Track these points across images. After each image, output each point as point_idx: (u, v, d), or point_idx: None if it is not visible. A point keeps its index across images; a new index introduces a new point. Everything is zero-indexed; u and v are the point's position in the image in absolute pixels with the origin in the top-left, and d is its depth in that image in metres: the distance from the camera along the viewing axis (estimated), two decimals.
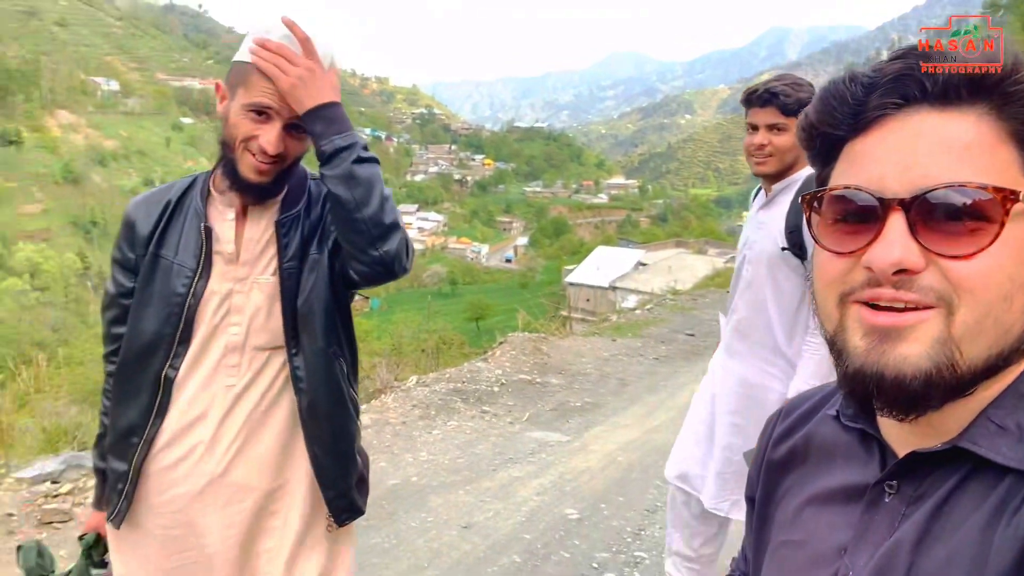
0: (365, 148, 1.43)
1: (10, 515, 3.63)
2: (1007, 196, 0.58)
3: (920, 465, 0.64)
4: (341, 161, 1.39)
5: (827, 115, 0.66)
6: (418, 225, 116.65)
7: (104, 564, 1.66)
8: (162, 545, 1.53)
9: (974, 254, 0.58)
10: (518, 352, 7.55)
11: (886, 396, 0.60)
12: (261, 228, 1.52)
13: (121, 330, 1.55)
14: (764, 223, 2.29)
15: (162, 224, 1.53)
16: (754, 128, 2.24)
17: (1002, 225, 0.58)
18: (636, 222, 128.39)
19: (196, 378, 1.50)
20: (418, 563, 3.47)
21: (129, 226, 1.55)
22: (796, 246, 2.13)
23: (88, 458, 4.16)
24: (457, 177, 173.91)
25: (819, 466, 0.76)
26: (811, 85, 2.20)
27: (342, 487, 1.59)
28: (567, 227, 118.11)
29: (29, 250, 74.59)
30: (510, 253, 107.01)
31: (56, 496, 3.83)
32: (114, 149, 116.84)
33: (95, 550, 1.68)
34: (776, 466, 0.82)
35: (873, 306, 0.61)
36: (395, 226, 1.42)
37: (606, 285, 39.89)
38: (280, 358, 1.53)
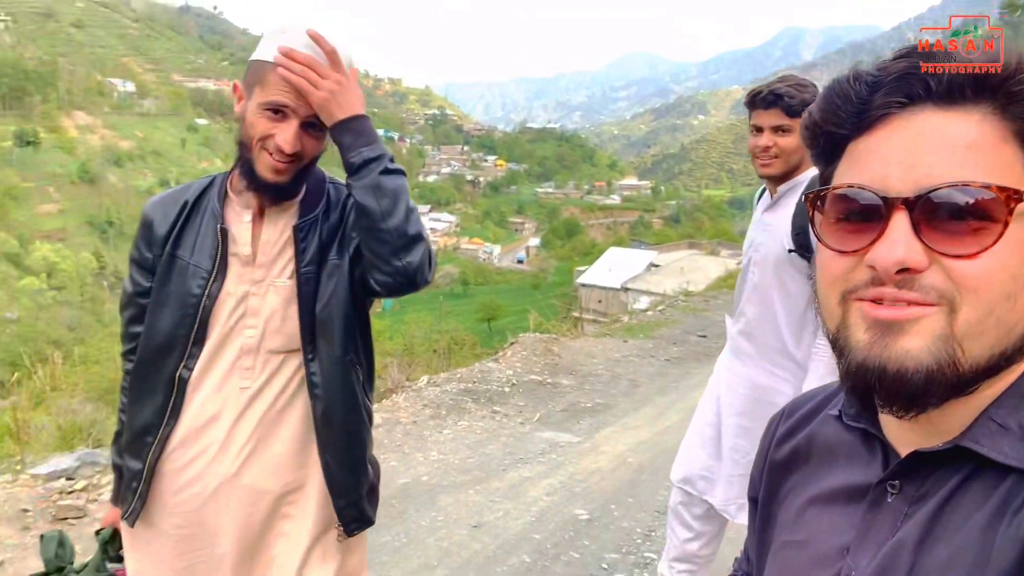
0: (392, 160, 1.45)
1: (25, 511, 3.67)
2: (1011, 195, 0.58)
3: (922, 465, 0.64)
4: (369, 172, 1.41)
5: (831, 114, 0.66)
6: (430, 226, 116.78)
7: (120, 559, 1.67)
8: (175, 545, 1.53)
9: (977, 253, 0.58)
10: (529, 353, 7.55)
11: (888, 391, 0.60)
12: (278, 230, 1.52)
13: (138, 329, 1.56)
14: (770, 225, 2.28)
15: (179, 224, 1.53)
16: (759, 130, 2.24)
17: (1005, 224, 0.58)
18: (648, 223, 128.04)
19: (210, 379, 1.51)
20: (428, 562, 3.48)
21: (147, 226, 1.56)
22: (803, 247, 2.12)
23: (102, 455, 4.21)
24: (469, 178, 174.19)
25: (821, 466, 0.76)
26: (815, 86, 2.20)
27: (353, 496, 1.58)
28: (579, 228, 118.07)
29: (46, 249, 75.45)
30: (522, 254, 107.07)
31: (71, 492, 3.87)
32: (130, 150, 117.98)
33: (111, 545, 1.69)
34: (779, 466, 0.82)
35: (875, 302, 0.61)
36: (419, 237, 1.43)
37: (618, 286, 39.79)
38: (294, 361, 1.53)
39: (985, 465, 0.60)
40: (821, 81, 0.69)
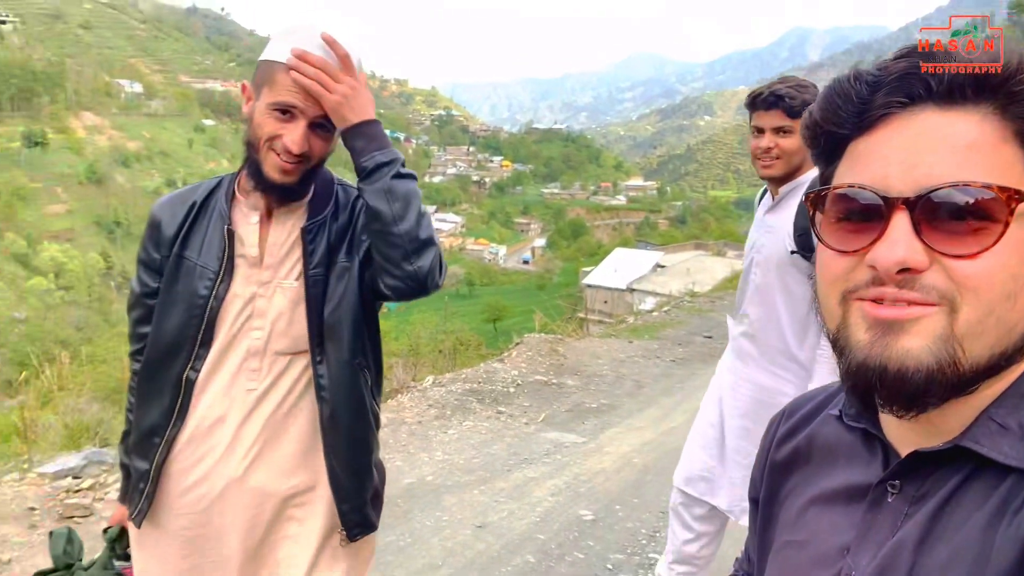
0: (403, 164, 1.45)
1: (32, 509, 3.69)
2: (1011, 195, 0.58)
3: (922, 465, 0.64)
4: (381, 176, 1.41)
5: (831, 113, 0.66)
6: (436, 226, 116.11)
7: (128, 557, 1.68)
8: (181, 545, 1.54)
9: (978, 253, 0.58)
10: (534, 353, 7.55)
11: (888, 390, 0.60)
12: (286, 232, 1.51)
13: (146, 329, 1.56)
14: (772, 226, 2.27)
15: (187, 225, 1.53)
16: (760, 131, 2.23)
17: (1006, 224, 0.58)
18: (654, 224, 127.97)
19: (217, 381, 1.51)
20: (432, 562, 3.49)
21: (154, 226, 1.56)
22: (805, 248, 2.12)
23: (109, 454, 4.23)
24: (475, 178, 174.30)
25: (822, 466, 0.76)
26: (816, 87, 2.19)
27: (357, 501, 1.57)
28: (585, 229, 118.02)
29: (54, 250, 75.81)
30: (528, 255, 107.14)
31: (77, 491, 3.89)
32: (137, 150, 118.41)
33: (119, 543, 1.70)
34: (779, 467, 0.82)
35: (876, 302, 0.61)
36: (430, 242, 1.44)
37: (624, 287, 39.76)
38: (301, 363, 1.52)
39: (985, 465, 0.60)
40: (827, 82, 0.69)
